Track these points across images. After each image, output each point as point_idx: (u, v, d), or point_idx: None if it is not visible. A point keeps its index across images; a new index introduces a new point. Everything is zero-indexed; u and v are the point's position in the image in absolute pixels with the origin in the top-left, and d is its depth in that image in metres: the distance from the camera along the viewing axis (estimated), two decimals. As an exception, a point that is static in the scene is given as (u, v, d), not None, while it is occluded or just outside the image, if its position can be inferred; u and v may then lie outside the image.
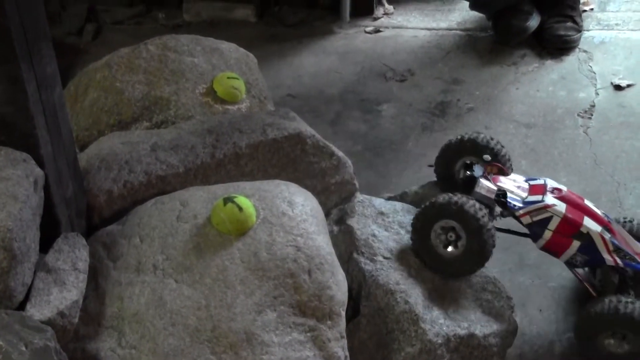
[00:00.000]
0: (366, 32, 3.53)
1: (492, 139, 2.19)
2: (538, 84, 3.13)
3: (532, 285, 2.31)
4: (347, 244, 2.04)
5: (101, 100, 2.33)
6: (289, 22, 3.61)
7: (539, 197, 2.03)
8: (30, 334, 1.49)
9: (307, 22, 3.61)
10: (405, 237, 2.09)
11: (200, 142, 2.09)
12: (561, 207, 2.01)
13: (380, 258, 2.00)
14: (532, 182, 2.09)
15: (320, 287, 1.76)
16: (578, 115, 2.96)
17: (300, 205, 1.89)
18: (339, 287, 1.80)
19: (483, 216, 1.93)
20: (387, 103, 3.08)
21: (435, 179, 2.31)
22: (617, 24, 3.44)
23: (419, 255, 2.02)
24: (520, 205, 2.03)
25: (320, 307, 1.74)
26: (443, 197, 1.98)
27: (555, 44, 3.30)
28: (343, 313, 1.79)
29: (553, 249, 2.04)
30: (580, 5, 3.45)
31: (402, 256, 2.02)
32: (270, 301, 1.71)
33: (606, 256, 2.01)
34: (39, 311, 1.58)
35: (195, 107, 2.33)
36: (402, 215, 2.16)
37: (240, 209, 1.81)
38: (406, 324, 1.88)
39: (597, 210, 2.06)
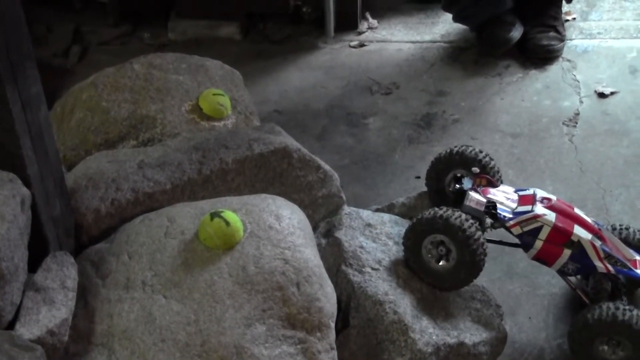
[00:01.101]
0: (351, 46, 3.55)
1: (480, 151, 2.21)
2: (523, 94, 3.15)
3: (521, 293, 2.32)
4: (335, 256, 2.05)
5: (87, 120, 2.34)
6: (274, 38, 3.62)
7: (528, 208, 2.04)
8: (20, 353, 1.50)
9: (292, 38, 3.63)
10: (394, 249, 2.10)
11: (186, 159, 2.09)
12: (551, 216, 2.02)
13: (369, 269, 2.00)
14: (521, 193, 2.10)
15: (309, 299, 1.77)
16: (563, 123, 2.98)
17: (287, 219, 1.90)
18: (327, 299, 1.81)
19: (470, 227, 1.94)
20: (373, 116, 3.09)
21: (423, 189, 2.32)
22: (599, 33, 3.47)
23: (415, 272, 2.03)
24: (510, 216, 2.03)
25: (310, 319, 1.75)
26: (429, 212, 1.99)
27: (538, 53, 3.32)
28: (332, 325, 1.80)
29: (544, 258, 2.05)
30: (563, 15, 3.47)
31: (390, 267, 2.03)
32: (259, 314, 1.72)
33: (597, 263, 2.01)
34: (28, 330, 1.59)
35: (182, 125, 2.34)
36: (390, 226, 2.17)
37: (227, 223, 1.82)
38: (396, 334, 1.89)
39: (587, 218, 2.07)
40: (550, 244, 2.01)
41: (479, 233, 1.96)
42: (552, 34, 3.33)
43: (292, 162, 2.14)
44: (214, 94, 2.40)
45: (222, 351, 1.66)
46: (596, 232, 2.04)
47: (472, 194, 2.07)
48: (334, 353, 1.77)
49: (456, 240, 1.95)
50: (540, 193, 2.09)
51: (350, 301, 1.95)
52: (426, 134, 2.98)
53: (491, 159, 2.21)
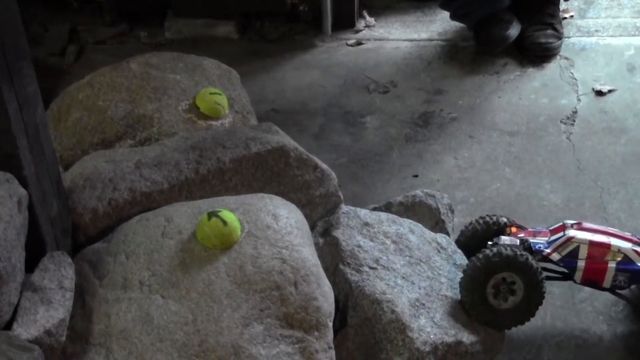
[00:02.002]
0: (348, 45, 3.55)
1: (501, 216, 2.22)
2: (520, 92, 3.15)
3: (519, 291, 2.32)
4: (332, 256, 2.04)
5: (84, 120, 2.34)
6: (271, 37, 3.62)
7: (560, 234, 2.06)
8: (18, 354, 1.49)
9: (289, 36, 3.63)
10: (391, 247, 2.09)
11: (184, 158, 2.09)
12: (584, 235, 2.03)
13: (366, 268, 2.00)
14: (551, 227, 2.13)
15: (307, 298, 1.76)
16: (561, 121, 2.98)
17: (284, 218, 1.90)
18: (325, 298, 1.81)
19: (533, 262, 1.95)
20: (371, 115, 3.09)
21: (420, 187, 2.33)
22: (597, 31, 3.47)
23: (476, 316, 2.00)
24: (545, 246, 2.05)
25: (307, 319, 1.75)
26: (490, 252, 1.96)
27: (536, 51, 3.32)
28: (330, 324, 1.80)
29: (592, 277, 2.04)
30: (560, 13, 3.47)
31: (387, 266, 2.03)
32: (257, 314, 1.72)
33: None
34: (25, 330, 1.58)
35: (179, 124, 2.33)
36: (387, 225, 2.17)
37: (224, 223, 1.81)
38: (393, 333, 1.88)
39: (622, 232, 2.08)
40: (592, 260, 2.02)
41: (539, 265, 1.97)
42: (549, 31, 3.33)
43: (289, 161, 2.14)
44: (211, 93, 2.40)
45: (220, 351, 1.66)
46: (635, 242, 2.04)
47: (504, 237, 2.09)
48: (332, 352, 1.77)
49: (525, 276, 1.94)
50: (569, 221, 2.11)
51: (348, 300, 1.95)
52: (424, 132, 2.98)
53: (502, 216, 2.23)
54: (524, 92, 3.15)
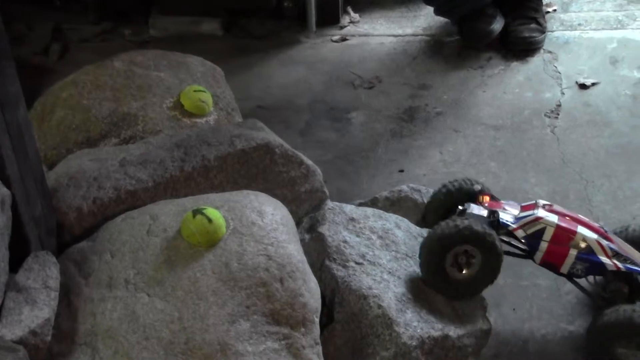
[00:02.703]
0: (333, 41, 3.55)
1: (476, 181, 2.23)
2: (505, 86, 3.16)
3: (505, 285, 2.32)
4: (318, 252, 2.04)
5: (68, 119, 2.33)
6: (256, 34, 3.62)
7: (530, 212, 2.06)
8: (2, 354, 1.49)
9: (274, 33, 3.63)
10: (377, 243, 2.10)
11: (168, 156, 2.09)
12: (553, 217, 2.03)
13: (352, 264, 2.00)
14: (523, 204, 2.13)
15: (293, 294, 1.76)
16: (545, 115, 2.99)
17: (270, 215, 1.90)
18: (311, 294, 1.81)
19: (492, 233, 1.96)
20: (356, 111, 3.09)
21: (406, 183, 2.33)
22: (580, 24, 3.48)
23: (435, 286, 2.01)
24: (513, 221, 2.05)
25: (294, 315, 1.75)
26: (447, 225, 1.96)
27: (520, 45, 3.33)
28: (317, 320, 1.80)
29: (552, 260, 2.04)
30: (544, 7, 3.48)
31: (374, 261, 2.03)
32: (243, 311, 1.72)
33: (606, 261, 2.02)
34: (10, 331, 1.58)
35: (163, 122, 2.33)
36: (373, 220, 2.17)
37: (209, 220, 1.81)
38: (380, 328, 1.89)
39: (591, 222, 2.09)
40: (555, 244, 2.02)
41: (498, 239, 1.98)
42: (533, 25, 3.34)
43: (274, 158, 2.14)
44: (195, 91, 2.40)
45: (206, 348, 1.66)
46: (601, 233, 2.05)
47: (474, 206, 2.09)
48: (319, 348, 1.77)
49: (483, 250, 1.95)
50: (542, 201, 2.11)
51: (335, 296, 1.95)
52: (409, 127, 2.99)
53: (478, 182, 2.23)
54: (508, 86, 3.16)
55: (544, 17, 3.41)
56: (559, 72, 3.20)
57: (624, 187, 2.63)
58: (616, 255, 2.03)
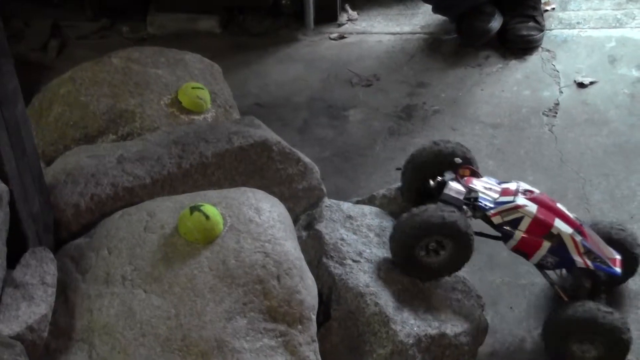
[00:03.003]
0: (331, 38, 3.54)
1: (459, 144, 2.21)
2: (503, 84, 3.16)
3: (502, 283, 2.32)
4: (316, 249, 2.04)
5: (66, 115, 2.33)
6: (253, 31, 3.61)
7: (510, 198, 2.04)
8: (0, 350, 1.49)
9: (272, 30, 3.62)
10: (375, 240, 2.10)
11: (166, 153, 2.09)
12: (532, 207, 2.02)
13: (350, 261, 2.00)
14: (504, 185, 2.11)
15: (290, 292, 1.77)
16: (543, 113, 2.99)
17: (267, 212, 1.90)
18: (308, 291, 1.81)
19: (465, 223, 1.97)
20: (354, 108, 3.09)
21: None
22: (578, 23, 3.48)
23: (405, 270, 2.02)
24: (492, 205, 2.04)
25: (291, 312, 1.75)
26: (420, 213, 1.96)
27: (518, 44, 3.33)
28: (313, 317, 1.80)
29: (524, 249, 2.05)
30: (542, 5, 3.48)
31: (371, 258, 2.03)
32: (240, 308, 1.72)
33: (576, 258, 2.02)
34: (7, 327, 1.58)
35: (161, 118, 2.33)
36: (371, 218, 2.17)
37: (207, 217, 1.81)
38: (377, 326, 1.89)
39: (569, 214, 2.08)
40: (530, 235, 2.02)
41: (471, 226, 1.97)
42: (531, 24, 3.34)
43: (272, 155, 2.14)
44: (193, 88, 2.40)
45: (203, 345, 1.66)
46: (577, 227, 2.04)
47: (452, 183, 2.07)
48: (316, 345, 1.77)
49: (453, 238, 1.96)
50: (523, 186, 2.09)
51: (332, 293, 1.95)
52: (407, 125, 2.98)
53: (468, 150, 2.21)
54: (506, 84, 3.16)
55: (542, 15, 3.41)
56: (557, 71, 3.19)
57: (622, 185, 2.63)
58: (587, 252, 2.03)
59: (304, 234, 2.11)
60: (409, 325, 1.91)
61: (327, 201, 2.21)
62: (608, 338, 1.95)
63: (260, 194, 1.98)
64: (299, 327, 1.75)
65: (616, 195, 2.60)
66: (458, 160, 2.15)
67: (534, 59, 3.28)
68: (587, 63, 3.23)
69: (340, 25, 3.63)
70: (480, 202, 2.04)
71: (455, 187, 2.06)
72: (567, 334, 1.98)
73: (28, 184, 1.78)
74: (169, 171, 2.05)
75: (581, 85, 3.11)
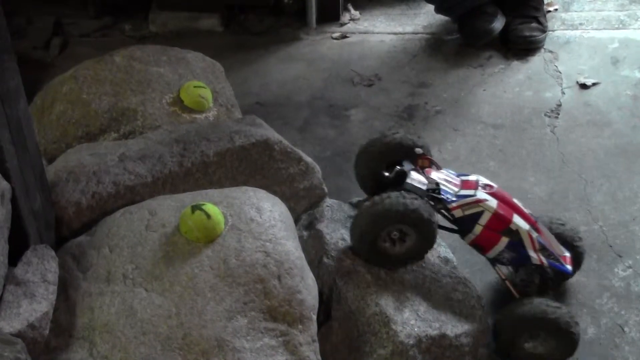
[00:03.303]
0: (333, 38, 3.54)
1: (418, 137, 2.19)
2: (505, 85, 3.16)
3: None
4: (317, 249, 2.04)
5: (68, 113, 2.33)
6: (255, 30, 3.61)
7: (471, 192, 2.04)
8: (1, 347, 1.49)
9: (273, 29, 3.62)
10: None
11: (168, 152, 2.09)
12: (493, 202, 2.02)
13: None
14: (463, 178, 2.10)
15: (290, 291, 1.76)
16: (545, 114, 2.98)
17: (268, 211, 1.90)
18: (309, 291, 1.81)
19: (430, 212, 1.95)
20: (355, 108, 3.09)
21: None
22: (581, 24, 3.48)
23: (367, 259, 2.01)
24: (453, 198, 2.03)
25: (291, 312, 1.75)
26: (382, 201, 1.94)
27: (520, 44, 3.33)
28: (314, 317, 1.80)
29: (481, 244, 2.05)
30: (545, 6, 3.48)
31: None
32: (240, 307, 1.72)
33: (532, 254, 2.03)
34: (8, 324, 1.58)
35: (163, 117, 2.33)
36: (372, 218, 2.17)
37: (208, 216, 1.81)
38: (377, 326, 1.89)
39: (525, 209, 2.08)
40: (489, 230, 2.02)
41: (435, 215, 1.96)
42: (534, 24, 3.33)
43: (273, 154, 2.14)
44: (195, 86, 2.40)
45: (203, 344, 1.66)
46: (533, 224, 2.05)
47: (414, 173, 2.05)
48: (316, 345, 1.77)
49: (417, 227, 1.94)
50: (483, 179, 2.09)
51: (332, 293, 1.95)
52: (408, 125, 2.98)
53: (418, 139, 2.19)
54: (508, 85, 3.15)
55: (544, 16, 3.41)
56: (560, 72, 3.19)
57: (624, 187, 2.63)
58: (542, 249, 2.04)
59: (305, 233, 2.11)
60: (410, 325, 1.90)
61: (328, 201, 2.22)
62: (558, 333, 1.97)
63: (262, 193, 1.98)
64: (300, 326, 1.75)
65: (618, 197, 2.59)
66: (419, 150, 2.13)
67: (536, 60, 3.28)
68: (590, 64, 3.23)
69: (342, 24, 3.63)
70: (443, 194, 2.02)
71: (417, 177, 2.04)
72: (520, 330, 1.99)
73: (30, 182, 1.78)
74: (170, 170, 2.05)
75: (583, 86, 3.11)
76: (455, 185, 2.07)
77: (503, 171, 2.72)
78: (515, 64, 3.27)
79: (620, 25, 3.45)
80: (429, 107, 3.06)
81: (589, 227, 2.50)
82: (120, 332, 1.68)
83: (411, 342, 1.88)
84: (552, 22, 3.48)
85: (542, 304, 1.96)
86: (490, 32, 3.31)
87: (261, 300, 1.74)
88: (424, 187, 2.02)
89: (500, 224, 2.01)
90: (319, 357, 1.76)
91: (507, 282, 2.07)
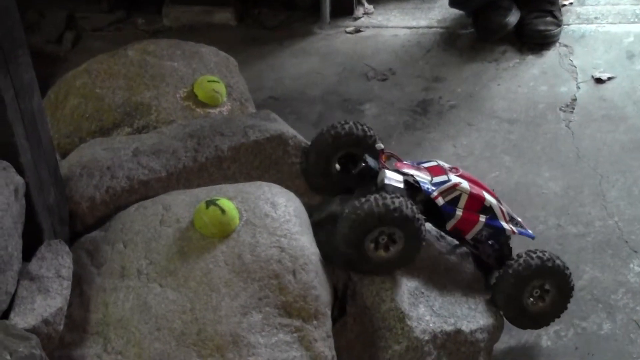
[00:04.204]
0: (347, 32, 3.53)
1: (368, 128, 2.12)
2: (519, 80, 3.14)
3: (518, 279, 2.31)
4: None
5: (82, 107, 2.33)
6: (269, 24, 3.61)
7: (444, 177, 2.01)
8: (15, 343, 1.48)
9: (287, 23, 3.61)
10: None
11: (182, 146, 2.08)
12: (465, 184, 2.00)
13: (365, 257, 1.99)
14: (425, 165, 2.07)
15: (305, 287, 1.76)
16: (560, 109, 2.97)
17: (283, 206, 1.89)
18: (324, 286, 1.80)
19: (418, 216, 1.87)
20: (369, 102, 3.08)
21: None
22: (596, 18, 3.46)
23: (353, 265, 1.93)
24: (432, 187, 1.99)
25: (306, 308, 1.74)
26: (368, 203, 1.84)
27: (535, 39, 3.31)
28: (329, 312, 1.79)
29: (462, 227, 2.01)
30: (560, 0, 3.46)
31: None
32: (255, 303, 1.71)
33: (506, 226, 2.03)
34: (23, 319, 1.58)
35: (177, 112, 2.32)
36: (386, 213, 2.16)
37: (222, 211, 1.81)
38: (392, 322, 1.88)
39: (487, 186, 2.08)
40: (468, 211, 2.00)
41: (419, 212, 1.89)
42: (549, 19, 3.32)
43: (287, 149, 2.13)
44: (209, 81, 2.39)
45: (218, 340, 1.65)
46: (495, 197, 2.05)
47: (389, 172, 2.00)
48: (331, 341, 1.76)
49: (402, 227, 1.86)
50: (443, 163, 2.08)
51: (347, 289, 1.95)
52: (422, 120, 2.97)
53: (369, 129, 2.12)
54: (523, 79, 3.14)
55: (560, 10, 3.39)
56: (575, 66, 3.18)
57: (639, 182, 2.62)
58: (511, 219, 2.04)
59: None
60: (425, 321, 1.89)
61: (342, 195, 2.20)
62: (557, 278, 1.99)
63: (276, 188, 1.97)
64: (315, 322, 1.74)
65: (633, 192, 2.58)
66: (380, 146, 2.06)
67: (551, 54, 3.27)
68: (605, 58, 3.21)
69: (356, 19, 3.62)
70: (423, 186, 1.97)
71: (393, 176, 1.98)
72: (522, 287, 1.99)
73: (44, 176, 1.78)
74: (184, 164, 2.04)
75: (599, 80, 3.09)
76: (425, 174, 2.03)
77: (518, 166, 2.71)
78: (530, 58, 3.26)
79: (636, 20, 3.43)
80: (443, 102, 3.05)
81: (604, 222, 2.49)
82: (134, 327, 1.68)
83: (426, 337, 1.87)
84: (567, 16, 3.46)
85: (533, 257, 1.97)
86: (505, 27, 3.29)
87: (276, 296, 1.73)
88: (402, 185, 1.97)
89: (476, 203, 2.00)
90: (334, 352, 1.76)
91: (489, 259, 2.06)
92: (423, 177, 2.01)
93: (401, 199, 1.85)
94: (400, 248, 1.89)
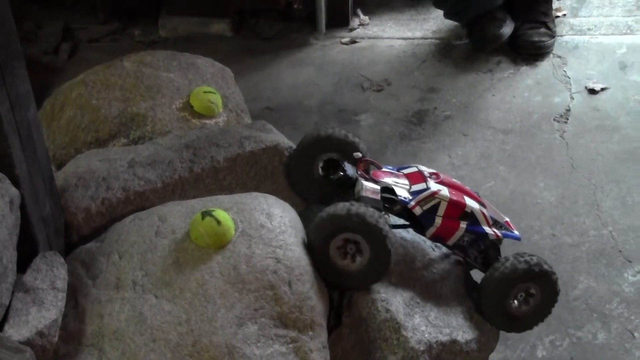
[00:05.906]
0: (342, 43, 3.55)
1: (348, 132, 2.11)
2: (514, 90, 3.16)
3: (513, 290, 2.31)
4: (327, 255, 2.03)
5: (77, 118, 2.33)
6: (265, 35, 3.62)
7: (423, 185, 1.98)
8: (9, 355, 1.48)
9: (283, 34, 3.63)
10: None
11: (177, 157, 2.08)
12: (445, 191, 1.98)
13: (360, 267, 1.99)
14: (405, 171, 2.05)
15: (301, 298, 1.76)
16: (554, 119, 2.98)
17: (278, 217, 1.89)
18: (319, 297, 1.80)
19: (385, 226, 1.83)
20: (365, 113, 3.09)
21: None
22: (589, 29, 3.48)
23: (320, 270, 1.90)
24: (410, 197, 1.96)
25: (302, 318, 1.74)
26: (338, 208, 1.83)
27: (529, 50, 3.33)
28: (325, 323, 1.79)
29: (442, 234, 1.99)
30: (553, 11, 3.48)
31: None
32: (251, 314, 1.71)
33: (489, 230, 2.01)
34: (17, 332, 1.57)
35: (172, 122, 2.33)
36: (382, 224, 2.16)
37: (218, 222, 1.81)
38: (388, 332, 1.88)
39: (471, 190, 2.06)
40: (448, 219, 1.98)
41: (392, 230, 1.87)
42: (542, 30, 3.34)
43: (283, 159, 2.14)
44: (205, 92, 2.39)
45: (213, 351, 1.65)
46: (479, 200, 2.04)
47: (366, 183, 1.95)
48: (326, 352, 1.76)
49: (372, 240, 1.83)
50: (425, 169, 2.05)
51: (343, 299, 1.95)
52: (418, 130, 2.98)
53: (359, 139, 2.11)
54: (517, 90, 3.15)
55: (553, 21, 3.41)
56: (568, 77, 3.19)
57: (633, 192, 2.63)
58: (494, 223, 2.03)
59: (315, 239, 2.10)
60: (420, 331, 1.90)
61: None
62: (543, 282, 1.96)
63: (272, 199, 1.97)
64: (310, 333, 1.75)
65: (627, 202, 2.59)
66: (358, 155, 2.02)
67: (545, 65, 3.28)
68: (598, 69, 3.23)
69: (351, 29, 3.64)
70: (400, 196, 1.95)
71: (370, 187, 1.94)
72: (507, 289, 1.95)
73: (39, 187, 1.78)
74: (180, 175, 2.05)
75: (592, 91, 3.11)
76: (403, 181, 2.01)
77: (513, 176, 2.72)
78: (524, 69, 3.27)
79: (628, 31, 3.44)
80: (439, 112, 3.06)
81: (599, 231, 2.50)
82: (129, 339, 1.68)
83: (422, 348, 1.87)
84: (561, 28, 3.48)
85: (519, 261, 1.94)
86: (499, 38, 3.31)
87: (272, 307, 1.73)
88: (378, 196, 1.93)
89: (456, 210, 1.98)
90: (330, 363, 1.76)
91: (473, 263, 2.05)
92: (401, 186, 1.99)
93: (368, 207, 1.82)
94: (367, 259, 1.85)
